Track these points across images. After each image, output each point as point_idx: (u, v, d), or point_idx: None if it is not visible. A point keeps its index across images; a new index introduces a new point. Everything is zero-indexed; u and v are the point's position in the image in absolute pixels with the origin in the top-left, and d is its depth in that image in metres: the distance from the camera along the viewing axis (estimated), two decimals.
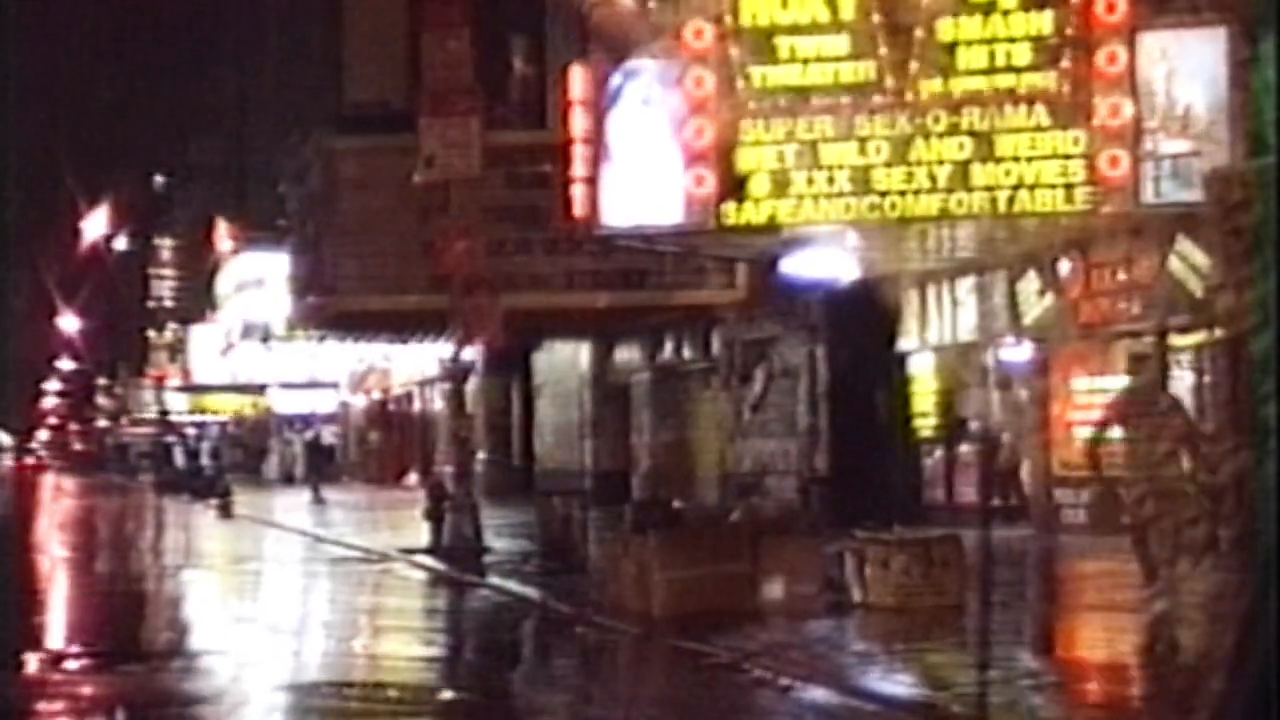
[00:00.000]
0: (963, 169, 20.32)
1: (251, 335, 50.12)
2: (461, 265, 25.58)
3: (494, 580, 23.02)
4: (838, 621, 16.92)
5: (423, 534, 28.05)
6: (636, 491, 38.19)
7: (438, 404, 58.74)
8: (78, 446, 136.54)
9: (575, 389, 43.18)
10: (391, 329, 38.84)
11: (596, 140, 21.85)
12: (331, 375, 68.25)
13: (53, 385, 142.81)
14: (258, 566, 29.79)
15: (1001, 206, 20.37)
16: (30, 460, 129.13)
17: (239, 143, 62.46)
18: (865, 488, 28.36)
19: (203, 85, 78.44)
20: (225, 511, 43.67)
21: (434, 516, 27.10)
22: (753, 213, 21.12)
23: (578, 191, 22.08)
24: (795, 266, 22.90)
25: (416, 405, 62.64)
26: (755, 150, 20.78)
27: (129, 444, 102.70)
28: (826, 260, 22.89)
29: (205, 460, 67.72)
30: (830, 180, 20.79)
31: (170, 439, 79.10)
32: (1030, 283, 23.88)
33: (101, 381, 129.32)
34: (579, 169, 22.00)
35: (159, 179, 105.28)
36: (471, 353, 51.55)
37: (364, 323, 37.05)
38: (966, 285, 26.65)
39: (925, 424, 29.49)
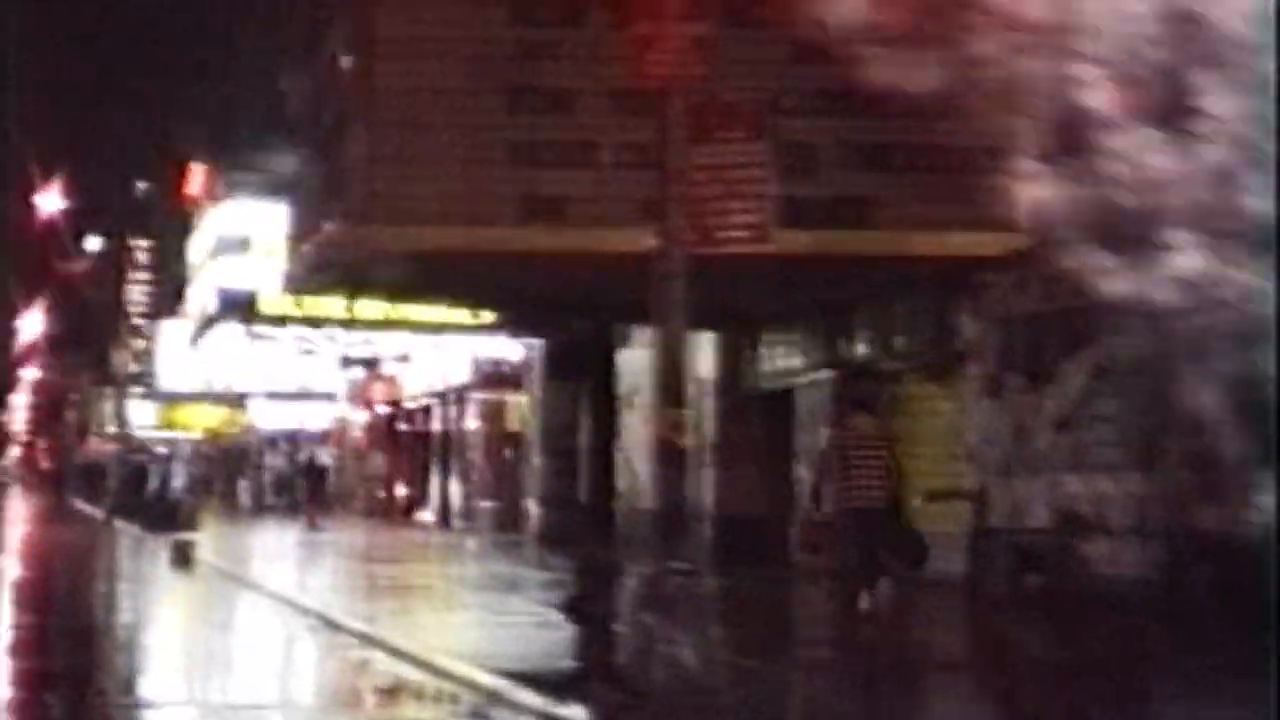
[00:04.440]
0: None
1: (230, 313, 37.52)
2: (686, 71, 12.73)
3: None
4: None
5: (531, 629, 14.99)
6: (797, 547, 25.52)
7: (470, 421, 46.25)
8: (44, 465, 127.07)
9: (689, 399, 30.48)
10: (453, 287, 25.79)
11: None
12: (326, 383, 56.40)
13: (20, 398, 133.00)
14: None
15: None
16: None
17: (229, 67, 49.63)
18: None
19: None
20: (183, 559, 30.58)
21: (585, 612, 13.70)
22: None
23: None
24: None
25: (436, 423, 50.22)
26: None
27: (92, 464, 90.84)
28: None
29: (176, 482, 56.62)
30: None
31: (137, 458, 66.88)
32: None
33: (73, 396, 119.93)
34: None
35: (141, 185, 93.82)
36: (521, 348, 39.51)
37: (408, 275, 23.57)
38: None
39: None
